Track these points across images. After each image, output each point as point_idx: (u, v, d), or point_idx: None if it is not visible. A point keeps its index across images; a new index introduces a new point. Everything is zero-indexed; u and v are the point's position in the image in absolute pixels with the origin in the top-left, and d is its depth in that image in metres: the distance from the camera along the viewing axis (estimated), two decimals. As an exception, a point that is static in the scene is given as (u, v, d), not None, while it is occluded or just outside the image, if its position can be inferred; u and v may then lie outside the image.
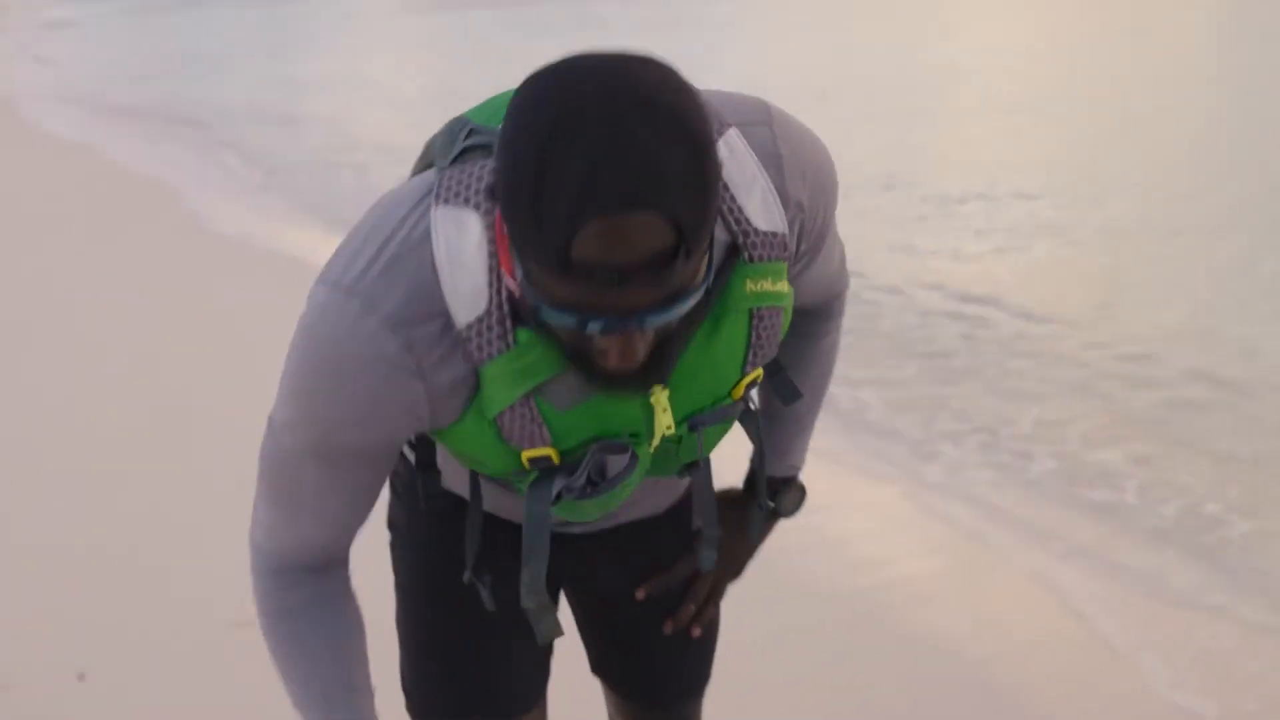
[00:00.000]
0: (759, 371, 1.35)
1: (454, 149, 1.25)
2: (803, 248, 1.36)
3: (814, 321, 1.63)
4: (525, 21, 32.09)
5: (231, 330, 6.42)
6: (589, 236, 1.00)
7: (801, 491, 1.70)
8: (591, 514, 1.37)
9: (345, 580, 1.44)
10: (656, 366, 1.15)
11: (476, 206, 1.20)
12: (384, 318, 1.19)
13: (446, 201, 1.20)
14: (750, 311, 1.28)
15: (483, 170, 1.22)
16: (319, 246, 8.39)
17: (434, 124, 13.76)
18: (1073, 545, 4.06)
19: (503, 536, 1.64)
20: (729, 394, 1.33)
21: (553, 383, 1.23)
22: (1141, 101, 12.91)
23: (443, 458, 1.56)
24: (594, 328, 1.07)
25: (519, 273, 1.09)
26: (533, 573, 1.35)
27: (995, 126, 12.00)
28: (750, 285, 1.26)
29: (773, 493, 1.69)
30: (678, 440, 1.35)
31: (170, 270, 7.81)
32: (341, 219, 9.43)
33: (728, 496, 1.74)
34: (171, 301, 7.05)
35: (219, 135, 14.53)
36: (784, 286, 1.30)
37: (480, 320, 1.19)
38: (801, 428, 1.68)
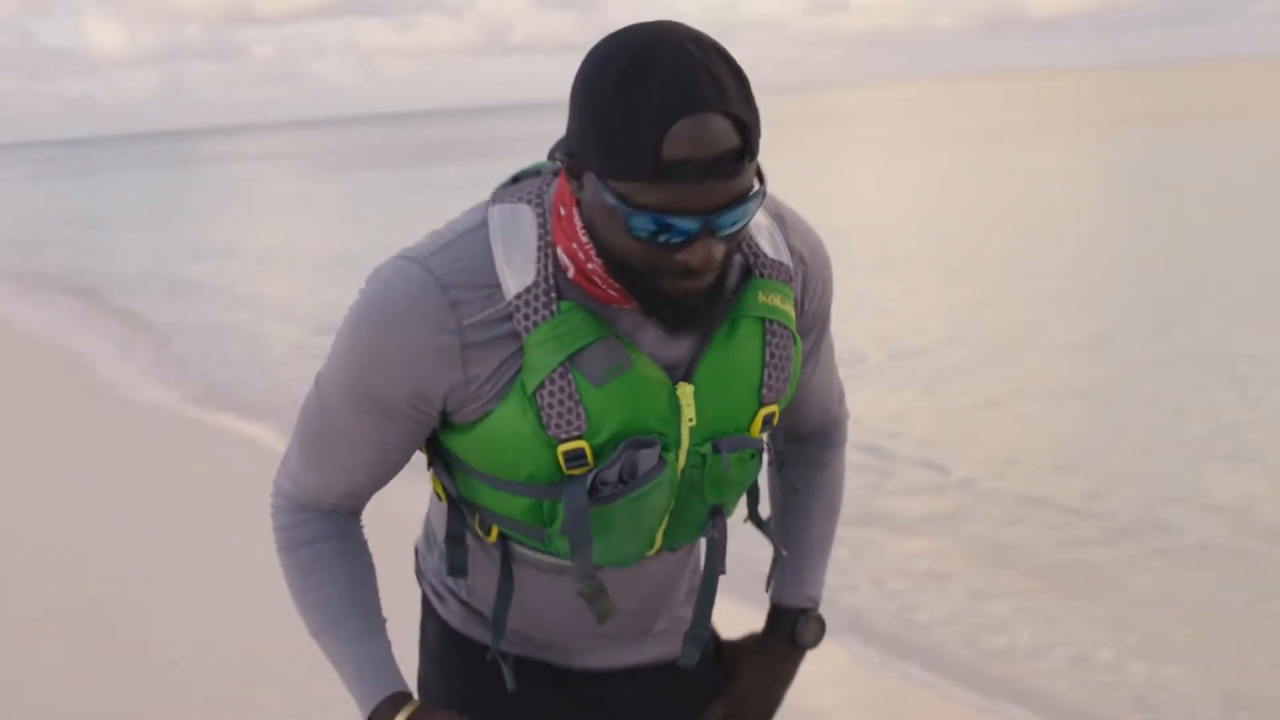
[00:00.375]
0: (775, 408, 1.50)
1: (509, 180, 1.50)
2: (807, 308, 1.55)
3: (818, 450, 1.74)
4: (432, 181, 32.42)
5: (130, 490, 6.28)
6: (676, 136, 1.28)
7: (821, 623, 1.71)
8: (624, 545, 1.47)
9: (359, 525, 1.60)
10: (714, 297, 1.38)
11: (529, 202, 1.45)
12: (437, 278, 1.41)
13: (502, 201, 1.46)
14: (763, 323, 1.48)
15: (535, 183, 1.46)
16: (217, 417, 8.38)
17: (335, 286, 13.68)
18: (984, 689, 4.13)
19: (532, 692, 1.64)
20: (748, 427, 1.49)
21: (588, 352, 1.41)
22: (1029, 255, 13.33)
23: (474, 566, 1.59)
24: (673, 237, 1.30)
25: (609, 200, 1.31)
26: (582, 561, 1.47)
27: (878, 282, 12.24)
28: (762, 296, 1.48)
29: (792, 624, 1.70)
30: (702, 461, 1.48)
31: (70, 440, 7.72)
32: (234, 386, 9.42)
33: (750, 640, 1.74)
34: (77, 469, 6.95)
35: (113, 303, 14.40)
36: (790, 311, 1.50)
37: (529, 290, 1.41)
38: (817, 558, 1.73)
